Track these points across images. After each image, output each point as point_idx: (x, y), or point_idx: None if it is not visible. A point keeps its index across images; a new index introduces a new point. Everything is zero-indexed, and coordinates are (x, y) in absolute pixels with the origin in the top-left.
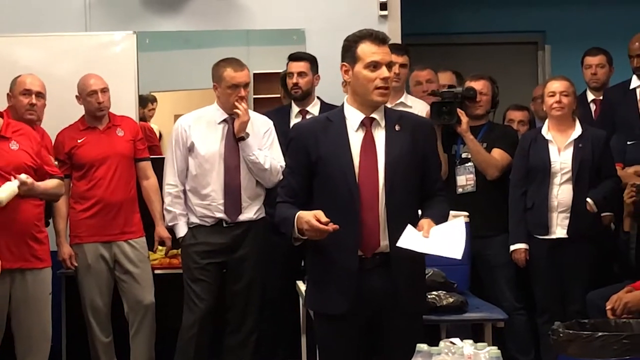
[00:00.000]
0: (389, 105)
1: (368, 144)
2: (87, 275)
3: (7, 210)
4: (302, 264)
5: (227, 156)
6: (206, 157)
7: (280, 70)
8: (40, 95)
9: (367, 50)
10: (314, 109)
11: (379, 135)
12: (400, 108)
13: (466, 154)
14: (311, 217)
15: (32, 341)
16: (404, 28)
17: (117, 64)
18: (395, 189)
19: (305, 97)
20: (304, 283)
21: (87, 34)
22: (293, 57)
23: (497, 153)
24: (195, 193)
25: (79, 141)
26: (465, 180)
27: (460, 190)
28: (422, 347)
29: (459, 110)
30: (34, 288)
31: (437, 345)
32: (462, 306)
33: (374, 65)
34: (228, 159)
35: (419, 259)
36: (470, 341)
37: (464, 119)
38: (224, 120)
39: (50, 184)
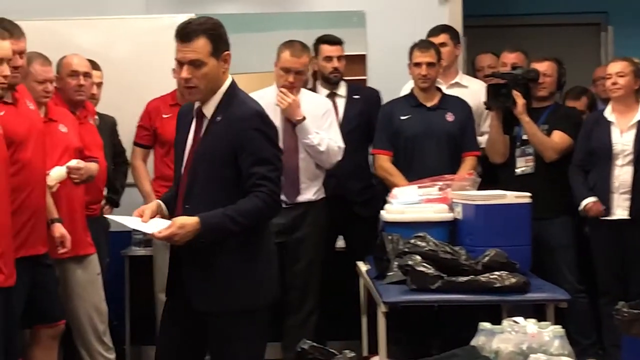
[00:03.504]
0: (443, 86)
1: (195, 136)
2: (163, 251)
3: (63, 196)
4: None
5: (285, 138)
6: None
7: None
8: (88, 75)
9: (175, 48)
10: (341, 90)
11: (204, 127)
12: (455, 89)
13: (527, 135)
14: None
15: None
16: (465, 10)
17: None
18: (196, 182)
19: (340, 81)
20: (365, 263)
21: (148, 17)
22: (329, 41)
23: (557, 135)
24: None
25: (164, 116)
26: (524, 161)
27: (518, 171)
28: (485, 325)
29: (515, 92)
30: (83, 272)
31: (499, 324)
32: (524, 286)
33: (178, 64)
34: (286, 141)
35: (218, 255)
36: (534, 320)
37: (520, 101)
38: None
39: (93, 167)
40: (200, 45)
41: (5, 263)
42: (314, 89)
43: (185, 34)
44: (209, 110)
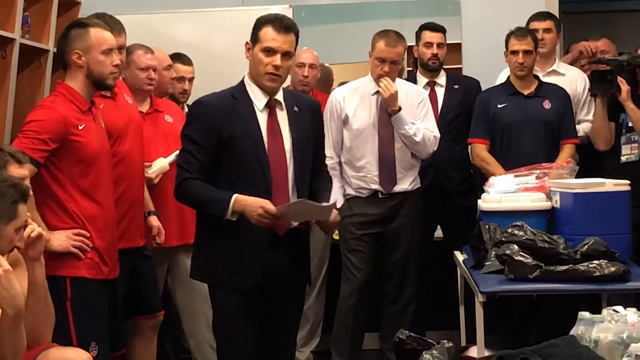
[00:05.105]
0: (540, 73)
1: (273, 124)
2: None
3: (170, 185)
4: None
5: (380, 128)
6: (360, 129)
7: None
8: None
9: (268, 35)
10: (441, 79)
11: (281, 116)
12: (552, 76)
13: (632, 122)
14: (265, 204)
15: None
16: None
17: None
18: (302, 169)
19: (439, 69)
20: (462, 253)
21: (244, 9)
22: (430, 27)
23: None
24: (350, 165)
25: None
26: (629, 149)
27: (623, 159)
28: (585, 314)
29: (619, 78)
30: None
31: (598, 313)
32: (624, 275)
33: (269, 51)
34: (382, 131)
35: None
36: (634, 309)
37: (624, 87)
38: (377, 92)
39: None
40: (293, 40)
41: (110, 255)
42: (414, 77)
43: (286, 26)
44: (281, 98)
